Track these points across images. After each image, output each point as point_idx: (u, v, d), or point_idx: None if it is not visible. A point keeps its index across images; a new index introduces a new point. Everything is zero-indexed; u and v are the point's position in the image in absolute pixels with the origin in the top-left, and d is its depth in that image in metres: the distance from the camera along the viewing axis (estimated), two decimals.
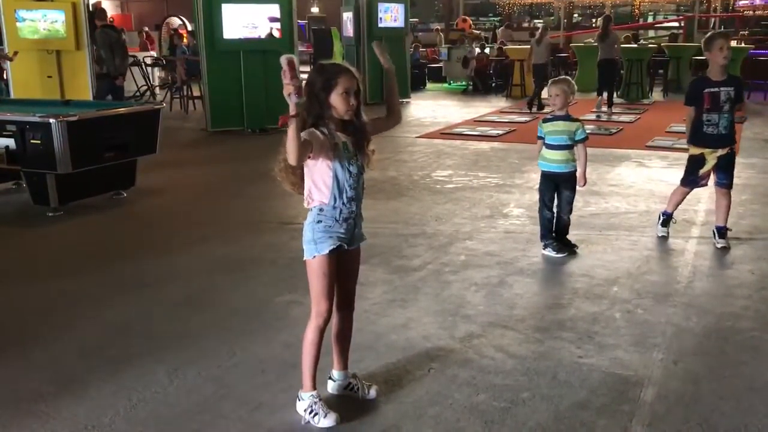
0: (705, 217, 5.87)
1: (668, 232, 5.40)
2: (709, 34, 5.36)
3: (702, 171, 5.16)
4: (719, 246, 5.12)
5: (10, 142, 6.10)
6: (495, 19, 26.94)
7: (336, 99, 2.72)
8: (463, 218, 5.98)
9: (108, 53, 9.93)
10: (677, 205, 5.41)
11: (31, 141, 5.98)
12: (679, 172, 7.72)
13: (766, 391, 3.16)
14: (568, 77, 5.15)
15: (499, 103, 14.89)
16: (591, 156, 8.60)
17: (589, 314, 3.98)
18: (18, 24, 10.12)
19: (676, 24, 21.90)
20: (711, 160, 5.09)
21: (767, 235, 5.45)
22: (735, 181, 7.19)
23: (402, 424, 2.89)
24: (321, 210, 2.79)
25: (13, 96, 9.80)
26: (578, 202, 6.43)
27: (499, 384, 3.20)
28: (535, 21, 27.85)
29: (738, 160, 8.25)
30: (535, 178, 7.46)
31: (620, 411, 2.98)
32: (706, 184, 5.29)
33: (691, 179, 5.25)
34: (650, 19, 26.95)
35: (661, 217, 5.45)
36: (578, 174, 4.97)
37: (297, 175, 2.83)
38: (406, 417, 2.94)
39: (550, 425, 2.87)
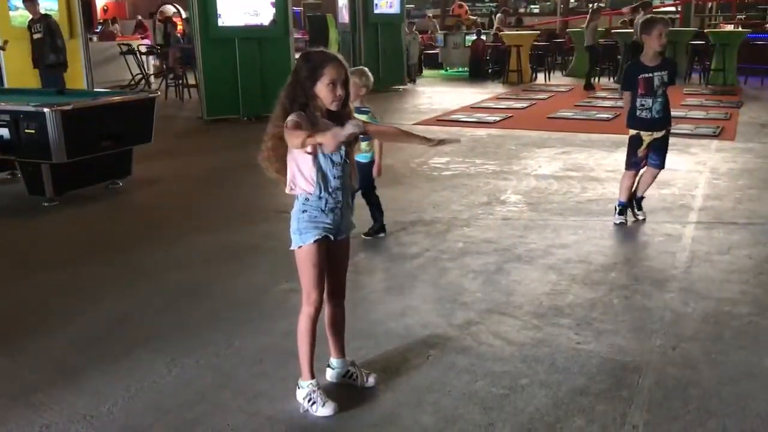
0: (702, 202, 5.87)
1: (626, 220, 5.34)
2: (648, 16, 5.37)
3: (640, 151, 5.20)
4: (641, 218, 5.32)
5: (5, 132, 6.06)
6: (491, 4, 26.78)
7: (322, 89, 2.66)
8: (461, 205, 5.96)
9: (62, 42, 9.59)
10: (629, 191, 5.35)
11: (26, 131, 5.95)
12: (676, 158, 7.75)
13: (764, 375, 3.16)
14: (361, 68, 4.85)
15: (496, 89, 14.84)
16: (588, 141, 8.70)
17: (587, 300, 3.98)
18: (11, 12, 10.04)
19: (672, 9, 21.79)
20: (647, 139, 5.17)
21: (765, 220, 5.43)
22: (732, 165, 7.26)
23: (400, 412, 2.89)
24: (306, 200, 2.76)
25: (6, 85, 9.74)
26: (575, 188, 6.45)
27: (497, 371, 3.20)
28: (531, 6, 27.72)
29: (735, 145, 8.34)
30: (533, 164, 7.48)
31: (619, 397, 2.98)
32: (644, 165, 5.32)
33: (633, 161, 5.27)
34: None
35: (617, 207, 5.37)
36: (375, 165, 4.88)
37: (282, 161, 2.77)
38: (404, 404, 2.94)
39: (548, 411, 2.87)
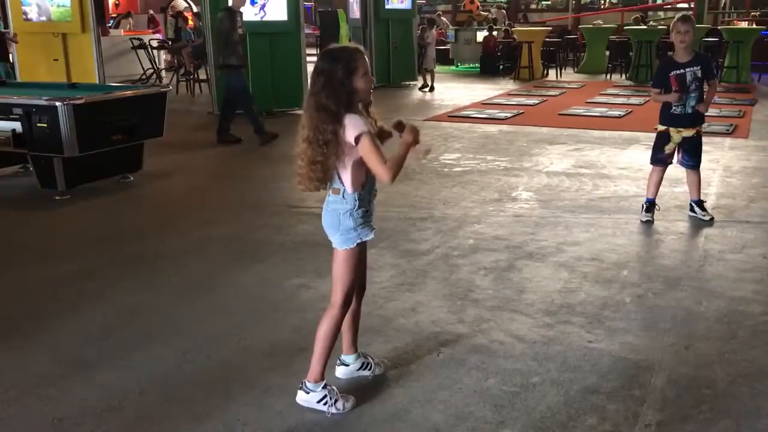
0: (716, 200, 5.82)
1: (653, 217, 5.32)
2: (675, 17, 5.42)
3: (667, 148, 5.24)
4: (706, 219, 5.25)
5: (17, 126, 6.08)
6: (503, 0, 26.64)
7: (359, 82, 2.66)
8: (472, 202, 5.94)
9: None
10: (657, 188, 5.36)
11: (38, 124, 5.96)
12: None
13: None
14: None
15: (507, 85, 14.78)
16: (600, 138, 8.65)
17: (598, 298, 3.95)
18: (24, 7, 10.08)
19: (685, 5, 21.63)
20: (676, 137, 5.19)
21: None
22: (745, 163, 7.21)
23: (411, 409, 2.89)
24: (359, 198, 2.74)
25: (19, 79, 9.78)
26: (587, 185, 6.42)
27: (508, 368, 3.19)
28: (543, 2, 27.57)
29: (748, 142, 8.28)
30: (545, 161, 7.45)
31: (631, 396, 2.96)
32: (671, 162, 5.35)
33: (659, 157, 5.31)
34: (660, 0, 26.66)
35: (644, 205, 5.37)
36: None
37: (327, 170, 2.68)
38: (415, 401, 2.94)
39: (560, 410, 2.86)
